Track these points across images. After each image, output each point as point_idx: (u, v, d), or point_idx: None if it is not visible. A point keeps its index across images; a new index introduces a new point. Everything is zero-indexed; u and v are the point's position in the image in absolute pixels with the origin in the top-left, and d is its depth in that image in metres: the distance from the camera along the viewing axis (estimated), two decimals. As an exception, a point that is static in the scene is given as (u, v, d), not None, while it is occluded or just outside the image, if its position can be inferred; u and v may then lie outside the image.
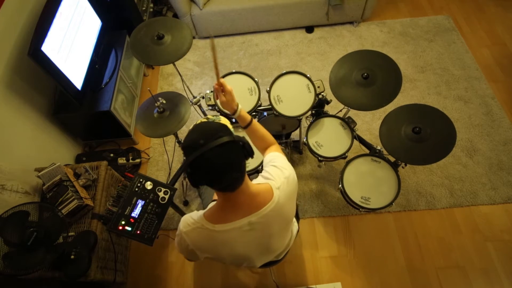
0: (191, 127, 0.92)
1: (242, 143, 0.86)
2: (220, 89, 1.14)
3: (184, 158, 0.89)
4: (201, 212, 0.99)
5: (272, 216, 0.96)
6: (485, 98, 2.41)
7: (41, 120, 1.94)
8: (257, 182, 1.00)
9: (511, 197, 2.02)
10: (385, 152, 1.49)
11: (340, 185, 1.55)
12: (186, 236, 0.97)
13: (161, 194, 1.45)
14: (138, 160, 2.27)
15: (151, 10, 2.77)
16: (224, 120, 1.04)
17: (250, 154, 0.88)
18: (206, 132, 0.83)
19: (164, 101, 1.59)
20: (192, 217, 0.98)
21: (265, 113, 1.80)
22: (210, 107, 1.73)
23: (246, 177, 0.91)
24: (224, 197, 0.93)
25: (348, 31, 2.88)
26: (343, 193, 1.54)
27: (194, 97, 1.78)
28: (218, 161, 0.81)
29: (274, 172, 1.01)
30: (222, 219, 0.94)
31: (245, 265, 1.13)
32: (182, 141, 0.90)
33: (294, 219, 1.32)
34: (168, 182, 1.58)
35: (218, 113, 1.10)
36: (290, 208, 1.05)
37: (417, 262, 1.87)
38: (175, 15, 2.83)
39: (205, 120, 1.05)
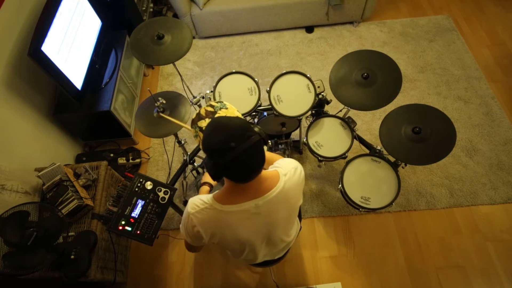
0: (208, 124, 0.90)
1: (264, 136, 0.88)
2: None
3: (209, 159, 0.87)
4: (210, 194, 1.01)
5: (278, 201, 0.98)
6: (485, 98, 2.41)
7: (41, 120, 1.94)
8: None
9: (511, 197, 2.02)
10: (385, 152, 1.49)
11: (340, 185, 1.55)
12: (194, 217, 0.98)
13: (161, 194, 1.45)
14: (138, 160, 2.27)
15: (151, 10, 2.77)
16: (231, 107, 1.04)
17: (267, 142, 0.91)
18: (234, 134, 0.83)
19: (164, 101, 1.59)
20: (201, 198, 1.00)
21: (265, 113, 1.80)
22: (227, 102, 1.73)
23: None
24: (234, 184, 0.95)
25: (348, 31, 2.88)
26: (343, 193, 1.54)
27: (194, 97, 1.78)
28: (251, 161, 0.85)
29: (283, 162, 1.06)
30: (230, 200, 0.96)
31: (245, 255, 1.12)
32: (204, 142, 0.87)
33: (297, 218, 1.32)
34: (168, 182, 1.58)
35: (222, 101, 1.09)
36: (296, 196, 1.06)
37: (417, 262, 1.87)
38: (175, 15, 2.83)
39: (211, 109, 1.02)
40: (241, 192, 0.96)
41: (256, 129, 0.88)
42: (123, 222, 1.38)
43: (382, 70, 1.53)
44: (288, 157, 1.94)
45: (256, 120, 1.87)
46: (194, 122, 1.06)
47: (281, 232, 1.11)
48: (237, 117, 0.95)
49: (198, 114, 1.05)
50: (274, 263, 1.39)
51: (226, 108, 1.04)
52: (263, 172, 0.98)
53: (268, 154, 1.27)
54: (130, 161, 2.25)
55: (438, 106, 2.10)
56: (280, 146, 2.07)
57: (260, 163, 0.88)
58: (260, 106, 1.70)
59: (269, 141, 1.68)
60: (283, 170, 1.01)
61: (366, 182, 1.54)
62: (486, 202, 2.02)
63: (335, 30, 2.89)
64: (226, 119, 0.90)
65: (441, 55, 2.66)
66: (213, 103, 1.05)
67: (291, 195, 1.02)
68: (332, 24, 2.91)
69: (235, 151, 0.80)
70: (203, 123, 1.02)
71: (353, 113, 1.89)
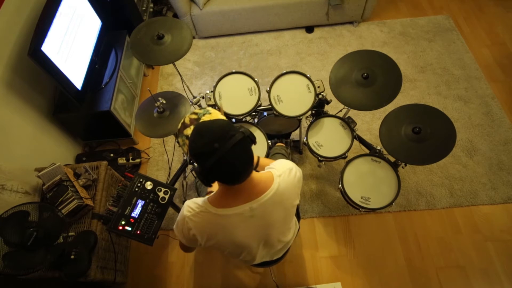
0: (192, 131, 0.90)
1: (248, 135, 0.88)
2: None
3: (195, 163, 0.88)
4: (205, 197, 1.00)
5: (272, 203, 0.98)
6: (485, 98, 2.41)
7: (41, 120, 1.94)
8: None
9: (511, 197, 2.02)
10: (385, 152, 1.49)
11: (340, 185, 1.54)
12: (189, 220, 0.98)
13: (161, 194, 1.45)
14: (138, 160, 2.27)
15: (151, 10, 2.78)
16: (214, 112, 1.03)
17: (254, 141, 0.91)
18: (217, 134, 0.83)
19: (164, 101, 1.59)
20: (195, 202, 0.99)
21: (265, 113, 1.80)
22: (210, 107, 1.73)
23: None
24: (228, 187, 0.94)
25: (348, 31, 2.88)
26: (343, 193, 1.54)
27: (194, 97, 1.78)
28: (237, 160, 0.84)
29: (278, 163, 1.06)
30: (224, 204, 0.96)
31: (243, 257, 1.12)
32: (190, 147, 0.88)
33: (295, 218, 1.32)
34: (168, 182, 1.58)
35: (206, 106, 1.05)
36: (291, 197, 1.05)
37: (417, 262, 1.87)
38: (175, 15, 2.83)
39: (194, 116, 1.02)
40: (235, 195, 0.95)
41: (241, 129, 0.87)
42: (123, 222, 1.38)
43: (382, 70, 1.53)
44: (288, 157, 1.95)
45: (256, 120, 1.87)
46: (180, 132, 1.04)
47: (277, 233, 1.11)
48: (219, 119, 0.94)
49: (183, 123, 1.04)
50: (274, 264, 1.39)
51: (210, 113, 1.02)
52: (257, 174, 0.98)
53: (264, 159, 1.28)
54: (130, 161, 2.25)
55: (438, 106, 2.10)
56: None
57: (246, 162, 0.87)
58: (260, 106, 1.70)
59: (269, 141, 1.68)
60: (277, 171, 1.01)
61: (366, 182, 1.54)
62: (486, 202, 2.02)
63: (335, 30, 2.89)
64: (208, 122, 0.90)
65: (441, 55, 2.66)
66: (196, 110, 1.05)
67: (286, 196, 1.02)
68: (332, 24, 2.91)
69: (219, 151, 0.80)
70: (189, 131, 1.00)
71: (353, 113, 1.90)
